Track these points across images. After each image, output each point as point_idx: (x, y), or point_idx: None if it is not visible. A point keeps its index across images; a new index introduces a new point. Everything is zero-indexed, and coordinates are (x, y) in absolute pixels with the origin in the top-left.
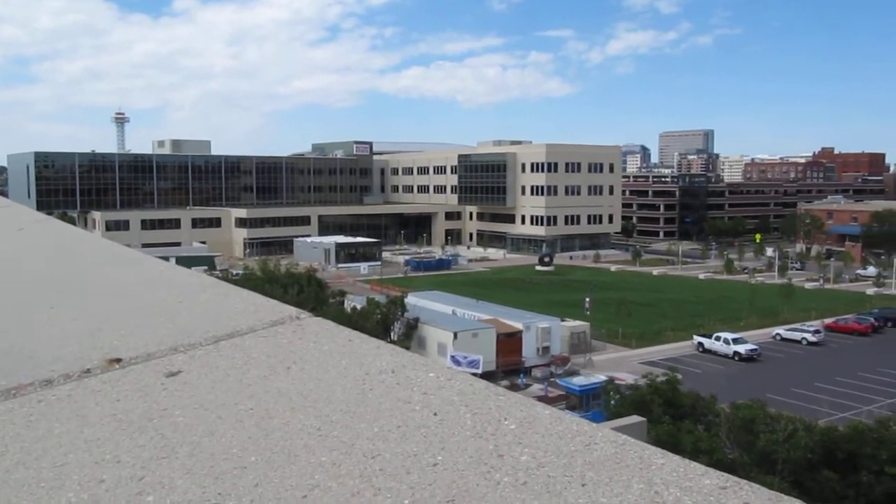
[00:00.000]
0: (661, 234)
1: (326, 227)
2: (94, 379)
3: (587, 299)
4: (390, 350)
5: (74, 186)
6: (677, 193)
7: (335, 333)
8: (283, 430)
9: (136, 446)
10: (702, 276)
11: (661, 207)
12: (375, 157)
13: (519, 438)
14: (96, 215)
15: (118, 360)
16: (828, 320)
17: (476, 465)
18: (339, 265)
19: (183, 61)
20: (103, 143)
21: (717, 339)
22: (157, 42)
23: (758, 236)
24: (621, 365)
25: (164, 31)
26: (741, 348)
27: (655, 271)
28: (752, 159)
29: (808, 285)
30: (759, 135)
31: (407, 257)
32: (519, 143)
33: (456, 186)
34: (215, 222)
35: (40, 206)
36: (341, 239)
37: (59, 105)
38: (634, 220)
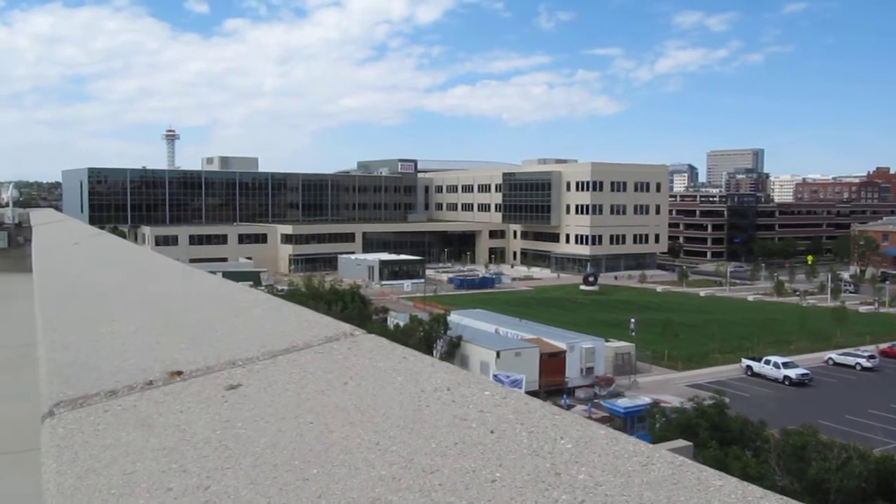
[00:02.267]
0: (709, 254)
1: (370, 244)
2: (156, 391)
3: (632, 320)
4: (444, 368)
5: (125, 202)
6: (726, 213)
7: (389, 351)
8: (343, 444)
9: (201, 456)
10: (751, 298)
11: (709, 227)
12: (420, 175)
13: (576, 457)
14: (146, 230)
15: (179, 373)
16: (883, 345)
17: (534, 482)
18: (383, 282)
19: (232, 80)
20: (154, 159)
21: (767, 362)
22: (207, 61)
23: (809, 258)
24: (667, 387)
25: (215, 51)
26: (792, 372)
27: (702, 292)
28: (804, 179)
29: (863, 309)
30: (810, 154)
31: (450, 275)
32: (564, 161)
33: (500, 205)
34: (261, 238)
35: (92, 221)
36: (385, 256)
37: (113, 122)
38: (681, 240)
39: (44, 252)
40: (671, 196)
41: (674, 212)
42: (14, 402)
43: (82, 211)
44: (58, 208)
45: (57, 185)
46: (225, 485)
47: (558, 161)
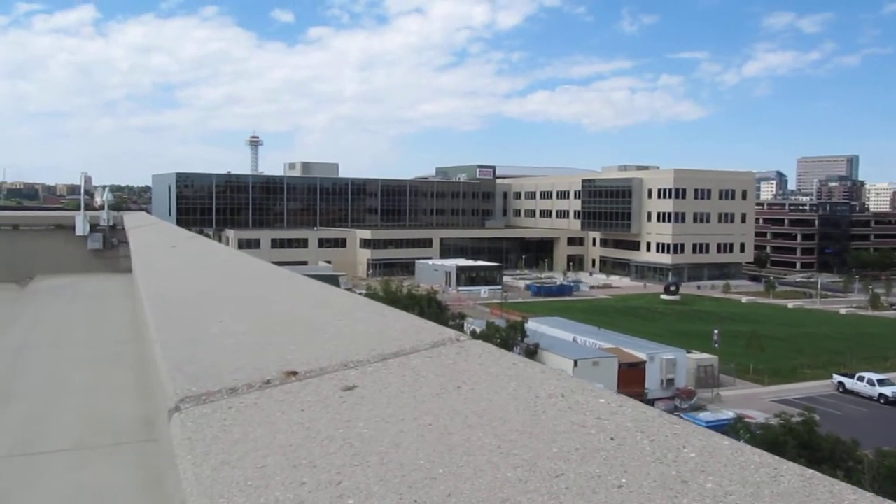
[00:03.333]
0: (798, 265)
1: (448, 249)
2: (275, 389)
3: (716, 331)
4: (555, 375)
5: (211, 205)
6: (817, 222)
7: (498, 357)
8: (465, 445)
9: (328, 453)
10: (843, 311)
11: (799, 237)
12: (498, 181)
13: (701, 466)
14: (230, 233)
15: (294, 373)
16: None
17: (661, 489)
18: (460, 288)
19: (315, 87)
20: (238, 164)
21: (861, 379)
22: (291, 68)
23: None
24: (751, 402)
25: (299, 58)
26: (888, 390)
27: (791, 304)
28: None
29: None
30: None
31: (528, 282)
32: (646, 167)
33: (579, 211)
34: (341, 242)
35: (179, 224)
36: (462, 262)
37: (199, 129)
38: (768, 249)
39: (144, 254)
40: (758, 204)
41: (760, 220)
42: (114, 396)
43: (170, 214)
44: (147, 211)
45: (146, 188)
46: (356, 481)
47: (639, 168)
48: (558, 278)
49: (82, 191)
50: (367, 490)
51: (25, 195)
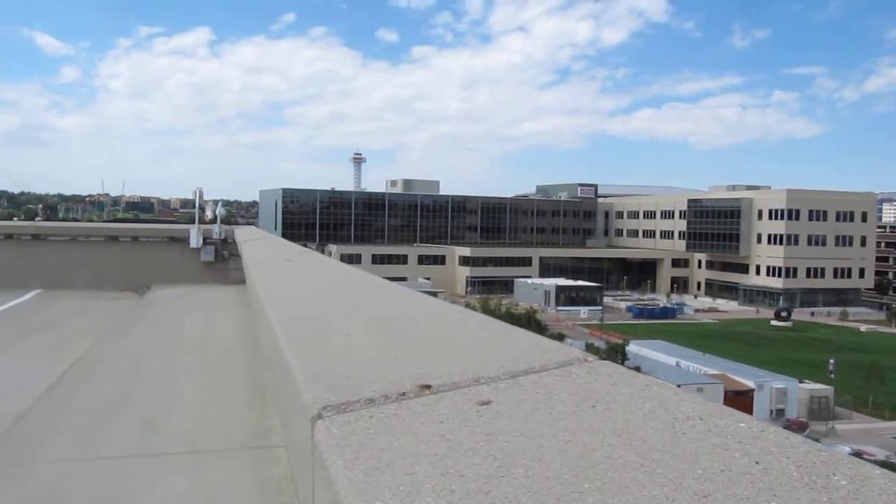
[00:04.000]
0: None
1: (547, 268)
2: (412, 402)
3: (831, 361)
4: (690, 398)
5: (315, 220)
6: None
7: (630, 377)
8: (607, 462)
9: (473, 464)
10: None
11: None
12: (600, 200)
13: (854, 494)
14: (332, 248)
15: (428, 386)
16: None
17: None
18: (559, 308)
19: (417, 105)
20: (341, 181)
21: None
22: (394, 87)
23: None
24: (870, 437)
25: (403, 77)
26: None
27: None
28: None
29: None
30: None
31: (629, 304)
32: (756, 187)
33: (684, 232)
34: (440, 259)
35: (284, 238)
36: (562, 281)
37: (305, 146)
38: (891, 275)
39: (259, 267)
40: (880, 227)
41: (883, 244)
42: (227, 402)
43: (276, 228)
44: (254, 225)
45: (254, 203)
46: (504, 491)
47: (749, 187)
48: (661, 300)
49: (197, 205)
50: (517, 500)
51: (142, 208)
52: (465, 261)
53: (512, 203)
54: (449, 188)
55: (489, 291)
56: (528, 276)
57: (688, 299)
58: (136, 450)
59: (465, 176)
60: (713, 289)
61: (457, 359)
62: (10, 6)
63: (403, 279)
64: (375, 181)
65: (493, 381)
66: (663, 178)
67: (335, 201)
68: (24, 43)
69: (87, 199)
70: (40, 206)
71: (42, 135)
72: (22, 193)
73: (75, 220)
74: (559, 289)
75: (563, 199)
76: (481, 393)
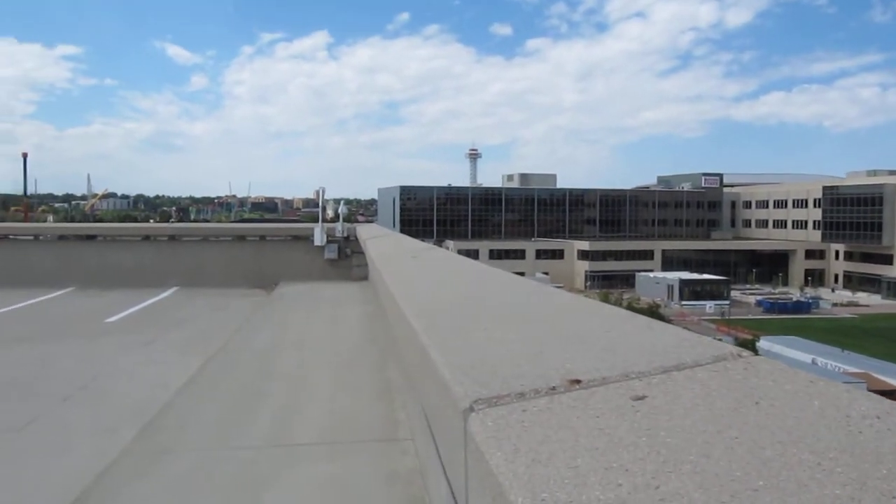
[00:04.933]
0: None
1: (670, 262)
2: (563, 396)
3: None
4: (863, 395)
5: (432, 217)
6: None
7: (792, 374)
8: (780, 460)
9: (638, 459)
10: None
11: None
12: (725, 190)
13: None
14: (449, 244)
15: (578, 381)
16: None
17: None
18: (683, 302)
19: (532, 98)
20: (457, 176)
21: None
22: (509, 81)
23: None
24: None
25: (517, 71)
26: None
27: None
28: None
29: None
30: None
31: (759, 297)
32: None
33: (819, 222)
34: (558, 254)
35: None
36: (686, 275)
37: (420, 143)
38: None
39: (386, 263)
40: None
41: None
42: (354, 394)
43: (394, 225)
44: (373, 223)
45: (372, 201)
46: (673, 486)
47: (892, 172)
48: (794, 294)
49: (321, 205)
50: (689, 496)
51: (266, 208)
52: (583, 255)
53: (632, 195)
54: (566, 181)
55: (609, 286)
56: (650, 270)
57: (824, 293)
58: (271, 440)
59: (583, 168)
60: (852, 282)
61: (605, 353)
62: (144, 21)
63: (521, 274)
64: (491, 176)
65: (645, 377)
66: (794, 166)
67: (452, 197)
68: (157, 54)
69: (216, 200)
70: (174, 208)
71: (174, 141)
72: (157, 197)
73: (206, 220)
74: (683, 283)
75: (685, 189)
76: (634, 388)
